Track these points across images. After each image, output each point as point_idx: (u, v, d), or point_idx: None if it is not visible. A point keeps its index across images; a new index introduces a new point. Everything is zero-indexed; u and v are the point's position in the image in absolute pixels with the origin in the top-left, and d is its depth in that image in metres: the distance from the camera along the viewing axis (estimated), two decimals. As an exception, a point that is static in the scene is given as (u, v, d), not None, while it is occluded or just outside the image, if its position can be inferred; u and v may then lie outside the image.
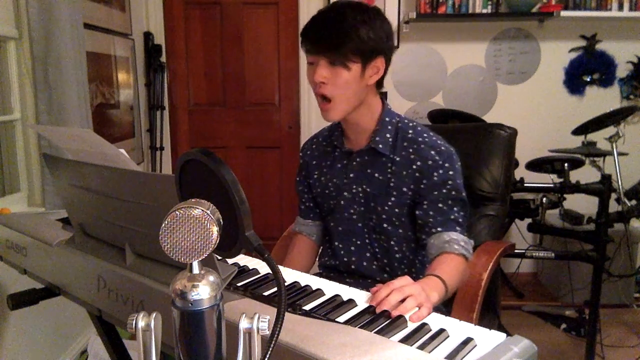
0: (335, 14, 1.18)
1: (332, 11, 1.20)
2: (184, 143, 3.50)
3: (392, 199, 1.28)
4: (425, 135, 1.27)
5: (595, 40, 3.18)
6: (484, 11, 3.05)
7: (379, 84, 1.28)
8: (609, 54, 3.21)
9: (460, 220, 1.24)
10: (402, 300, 0.92)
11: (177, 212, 0.50)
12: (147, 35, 3.21)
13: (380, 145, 1.27)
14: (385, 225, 1.31)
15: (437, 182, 1.23)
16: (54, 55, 1.94)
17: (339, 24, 1.16)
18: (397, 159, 1.27)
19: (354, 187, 1.33)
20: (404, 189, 1.26)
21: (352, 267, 1.38)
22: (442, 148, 1.25)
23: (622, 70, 3.22)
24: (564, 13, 3.00)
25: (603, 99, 3.25)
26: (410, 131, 1.28)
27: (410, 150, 1.26)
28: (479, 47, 3.26)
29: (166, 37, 3.32)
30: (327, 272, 1.46)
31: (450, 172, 1.23)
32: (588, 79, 3.24)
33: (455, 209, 1.24)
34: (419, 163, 1.24)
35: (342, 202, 1.36)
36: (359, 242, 1.37)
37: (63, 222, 1.28)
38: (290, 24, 3.33)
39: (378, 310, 0.89)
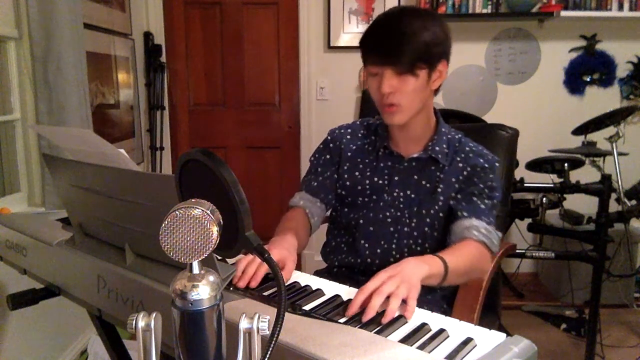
0: (395, 23, 1.17)
1: (392, 20, 1.18)
2: (184, 143, 3.50)
3: (440, 203, 1.29)
4: (471, 144, 1.33)
5: (595, 40, 3.18)
6: (484, 11, 3.05)
7: (436, 89, 1.28)
8: (609, 54, 3.21)
9: (487, 212, 1.26)
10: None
11: (177, 212, 0.50)
12: (147, 35, 3.21)
13: (440, 156, 1.29)
14: (426, 229, 1.30)
15: (476, 181, 1.28)
16: (54, 55, 1.94)
17: (402, 32, 1.15)
18: (447, 168, 1.30)
19: (397, 190, 1.32)
20: (452, 194, 1.29)
21: (374, 268, 1.33)
22: (489, 157, 1.31)
23: (622, 70, 3.22)
24: (564, 13, 3.00)
25: (603, 99, 3.25)
26: (457, 143, 1.32)
27: (458, 159, 1.30)
28: (479, 47, 3.26)
29: (166, 37, 3.32)
30: (338, 268, 1.41)
31: (491, 175, 1.28)
32: (588, 79, 3.24)
33: (486, 201, 1.27)
34: (468, 169, 1.29)
35: (380, 204, 1.34)
36: (385, 246, 1.34)
37: (63, 222, 1.28)
38: (290, 24, 3.33)
39: (365, 319, 0.86)
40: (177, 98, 3.45)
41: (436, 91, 1.28)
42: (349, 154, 1.39)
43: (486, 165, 1.28)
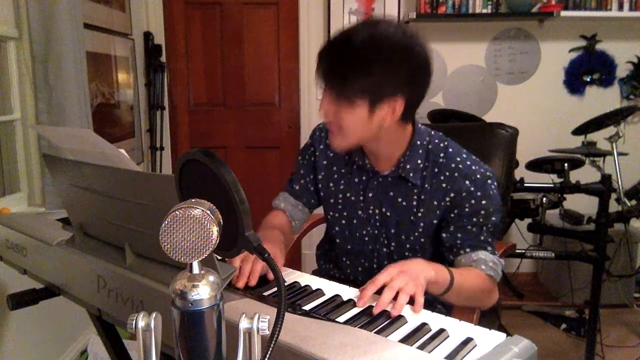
0: (348, 43, 1.03)
1: (347, 38, 1.04)
2: (184, 143, 3.50)
3: (420, 230, 1.20)
4: (458, 159, 1.17)
5: (595, 40, 3.18)
6: (484, 11, 3.05)
7: (407, 116, 1.11)
8: (609, 54, 3.21)
9: (489, 239, 1.18)
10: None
11: (177, 212, 0.50)
12: (147, 35, 3.21)
13: (411, 174, 1.17)
14: (407, 253, 1.24)
15: (468, 213, 1.16)
16: (54, 55, 1.94)
17: (348, 57, 1.02)
18: (428, 187, 1.17)
19: (371, 208, 1.24)
20: (434, 221, 1.19)
21: (360, 281, 1.30)
22: (478, 176, 1.15)
23: (622, 70, 3.22)
24: (564, 13, 3.00)
25: (603, 99, 3.25)
26: (442, 154, 1.18)
27: (442, 178, 1.16)
28: (479, 47, 3.26)
29: (166, 37, 3.32)
30: (329, 280, 1.41)
31: (484, 202, 1.15)
32: (588, 79, 3.24)
33: (483, 229, 1.17)
34: (452, 195, 1.16)
35: (354, 221, 1.27)
36: (367, 265, 1.30)
37: (63, 222, 1.28)
38: (290, 24, 3.33)
39: (376, 312, 0.89)
40: (177, 98, 3.45)
41: (407, 118, 1.12)
42: (325, 162, 1.31)
43: (473, 189, 1.14)
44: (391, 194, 1.22)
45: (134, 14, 3.02)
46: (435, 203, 1.18)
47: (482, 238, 1.17)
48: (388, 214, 1.23)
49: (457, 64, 3.27)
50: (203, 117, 3.48)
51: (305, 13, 3.26)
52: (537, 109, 3.30)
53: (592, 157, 2.54)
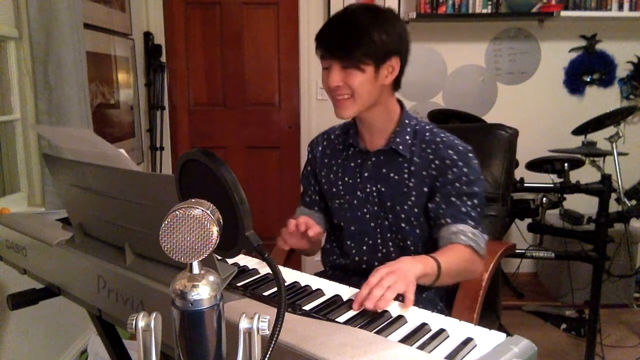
0: (347, 18, 1.22)
1: (344, 15, 1.23)
2: (184, 143, 3.50)
3: (412, 198, 1.30)
4: (442, 135, 1.31)
5: (595, 40, 3.18)
6: (484, 11, 3.05)
7: (396, 84, 1.30)
8: (609, 54, 3.21)
9: (472, 214, 1.25)
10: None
11: (177, 212, 0.50)
12: (147, 35, 3.21)
13: (401, 147, 1.30)
14: (403, 225, 1.32)
15: (451, 179, 1.26)
16: (54, 55, 1.94)
17: (351, 29, 1.19)
18: (416, 160, 1.29)
19: (368, 186, 1.34)
20: (425, 189, 1.29)
21: (364, 266, 1.38)
22: (460, 147, 1.28)
23: (622, 70, 3.22)
24: (564, 13, 3.00)
25: (603, 99, 3.25)
26: (428, 133, 1.32)
27: (429, 150, 1.29)
28: (479, 47, 3.26)
29: (166, 37, 3.32)
30: (333, 271, 1.46)
31: (465, 169, 1.26)
32: (588, 79, 3.24)
33: (468, 202, 1.25)
34: (437, 162, 1.27)
35: (354, 202, 1.37)
36: (370, 242, 1.37)
37: (63, 222, 1.28)
38: (290, 24, 3.33)
39: (371, 308, 0.90)
40: (177, 98, 3.45)
41: (396, 86, 1.30)
42: (325, 160, 1.44)
43: (455, 158, 1.26)
44: (384, 170, 1.33)
45: (134, 14, 3.02)
46: (424, 173, 1.29)
47: (464, 211, 1.25)
48: (383, 189, 1.33)
49: (457, 64, 3.27)
50: (203, 117, 3.48)
51: (305, 13, 3.26)
52: (537, 109, 3.31)
53: (592, 157, 2.54)
